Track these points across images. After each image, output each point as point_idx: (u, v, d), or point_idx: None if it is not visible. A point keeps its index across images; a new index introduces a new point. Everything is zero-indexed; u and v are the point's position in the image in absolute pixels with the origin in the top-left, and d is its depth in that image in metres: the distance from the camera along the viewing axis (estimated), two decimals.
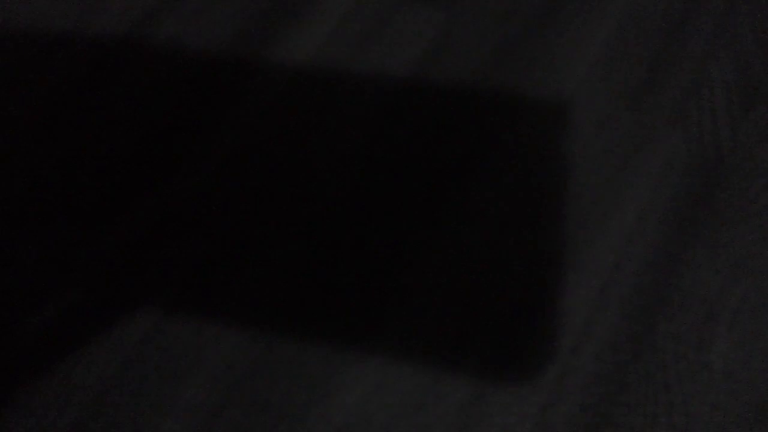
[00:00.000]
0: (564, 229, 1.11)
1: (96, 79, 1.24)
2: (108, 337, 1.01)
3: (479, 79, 1.25)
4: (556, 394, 0.97)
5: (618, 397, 0.97)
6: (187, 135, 1.19)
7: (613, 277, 1.06)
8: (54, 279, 1.05)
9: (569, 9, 1.33)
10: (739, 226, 1.10)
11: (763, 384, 0.98)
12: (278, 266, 1.07)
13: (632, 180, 1.16)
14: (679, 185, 1.15)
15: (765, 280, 1.05)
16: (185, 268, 1.07)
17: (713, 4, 1.33)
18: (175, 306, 1.03)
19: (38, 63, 1.26)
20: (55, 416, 0.95)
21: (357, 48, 1.28)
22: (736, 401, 0.96)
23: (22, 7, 1.32)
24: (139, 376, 0.98)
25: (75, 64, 1.25)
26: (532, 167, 1.17)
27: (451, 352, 1.01)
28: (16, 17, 1.30)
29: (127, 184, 1.14)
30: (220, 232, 1.10)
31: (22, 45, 1.27)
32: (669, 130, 1.21)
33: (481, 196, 1.14)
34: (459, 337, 1.02)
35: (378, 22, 1.31)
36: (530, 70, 1.26)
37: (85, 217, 1.11)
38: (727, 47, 1.28)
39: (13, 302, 1.03)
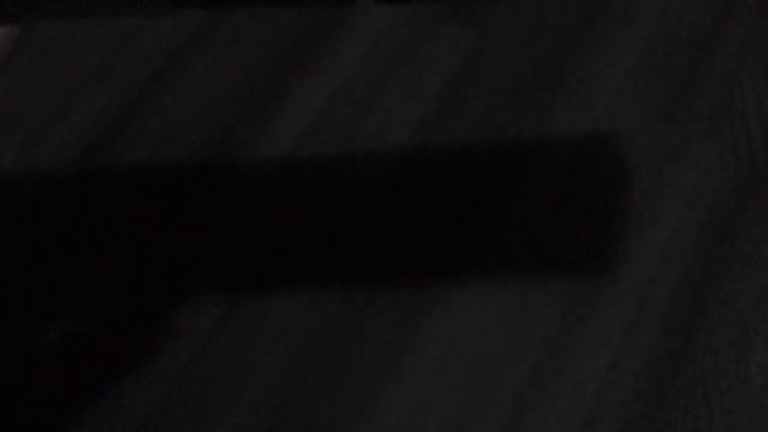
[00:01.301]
0: (599, 245, 1.11)
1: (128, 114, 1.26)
2: (153, 364, 1.02)
3: (511, 97, 1.26)
4: (595, 410, 0.98)
5: (658, 412, 0.97)
6: (223, 166, 1.21)
7: (650, 292, 1.06)
8: (98, 306, 1.07)
9: (599, 25, 1.33)
10: None
11: None
12: (315, 291, 1.08)
13: (667, 194, 1.16)
14: (714, 198, 1.15)
15: None
16: (224, 296, 1.08)
17: (742, 15, 1.33)
18: (216, 333, 1.05)
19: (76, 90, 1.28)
20: None
21: (388, 71, 1.29)
22: None
23: (57, 40, 1.34)
24: (183, 403, 0.99)
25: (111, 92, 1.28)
26: (565, 184, 1.17)
27: (490, 371, 1.01)
28: (51, 49, 1.33)
29: (165, 212, 1.16)
30: (257, 258, 1.11)
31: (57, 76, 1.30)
32: (702, 142, 1.21)
33: (514, 214, 1.14)
34: (499, 354, 1.02)
35: (409, 44, 1.32)
36: (562, 87, 1.27)
37: (124, 244, 1.13)
38: (757, 58, 1.28)
39: (58, 330, 1.05)
